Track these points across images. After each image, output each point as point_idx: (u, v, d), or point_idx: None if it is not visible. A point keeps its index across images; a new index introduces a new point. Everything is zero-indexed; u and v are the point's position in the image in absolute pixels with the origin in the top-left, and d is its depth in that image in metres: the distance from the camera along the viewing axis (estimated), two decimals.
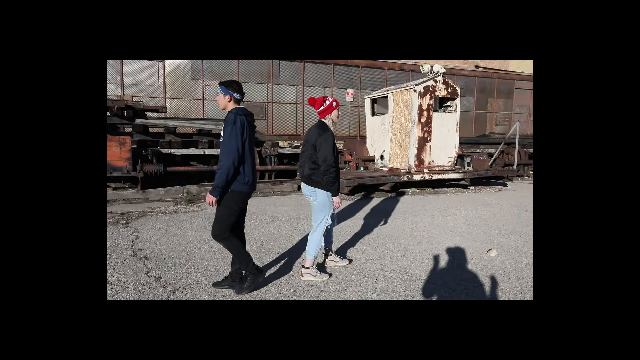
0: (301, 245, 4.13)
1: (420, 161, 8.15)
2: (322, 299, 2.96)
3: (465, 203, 7.10)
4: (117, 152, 6.99)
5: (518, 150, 10.74)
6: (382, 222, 5.42)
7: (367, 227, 5.12)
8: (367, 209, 6.32)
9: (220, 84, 2.90)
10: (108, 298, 2.84)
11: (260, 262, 3.70)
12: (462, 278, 3.42)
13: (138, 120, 7.71)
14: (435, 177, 8.19)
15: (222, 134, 2.82)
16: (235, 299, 2.92)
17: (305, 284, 3.21)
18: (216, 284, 3.09)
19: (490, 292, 3.16)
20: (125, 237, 4.43)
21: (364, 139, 10.07)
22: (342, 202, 6.91)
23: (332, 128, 3.26)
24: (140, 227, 4.90)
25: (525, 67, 18.24)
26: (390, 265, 3.72)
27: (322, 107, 3.23)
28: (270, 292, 3.04)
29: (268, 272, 3.44)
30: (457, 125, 8.55)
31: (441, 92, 8.23)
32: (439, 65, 8.33)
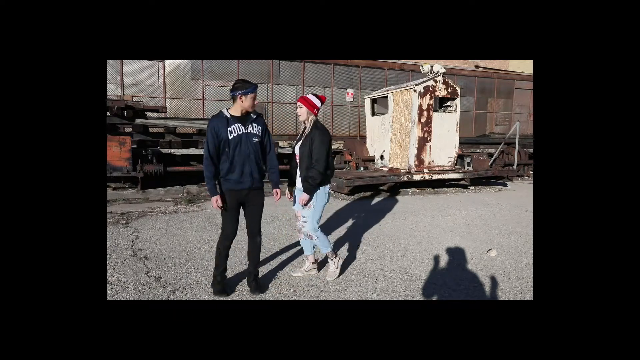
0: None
1: (420, 161, 8.15)
2: (322, 299, 2.96)
3: (465, 203, 7.10)
4: (117, 152, 6.99)
5: (518, 150, 10.73)
6: (382, 222, 5.42)
7: (367, 227, 5.12)
8: (367, 209, 6.32)
9: (252, 86, 2.84)
10: (108, 298, 2.84)
11: (260, 261, 3.70)
12: (462, 278, 3.42)
13: (138, 120, 7.71)
14: (435, 177, 8.19)
15: (259, 135, 2.92)
16: (235, 299, 2.93)
17: (305, 284, 3.22)
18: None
19: (490, 292, 3.16)
20: (125, 237, 4.43)
21: (364, 139, 10.07)
22: (341, 202, 6.93)
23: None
24: (140, 227, 4.90)
25: (525, 67, 18.23)
26: (390, 265, 3.72)
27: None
28: (271, 292, 3.04)
29: (268, 272, 3.46)
30: (457, 125, 8.55)
31: (441, 92, 8.23)
32: (439, 65, 8.33)
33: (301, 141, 3.10)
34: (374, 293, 3.07)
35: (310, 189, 3.02)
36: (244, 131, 2.85)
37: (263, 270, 3.48)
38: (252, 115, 2.91)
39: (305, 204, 3.08)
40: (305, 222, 3.16)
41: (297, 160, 3.16)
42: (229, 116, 2.84)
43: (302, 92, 12.52)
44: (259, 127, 2.93)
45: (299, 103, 3.11)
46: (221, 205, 2.85)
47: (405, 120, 8.25)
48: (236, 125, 2.83)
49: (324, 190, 3.14)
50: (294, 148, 3.20)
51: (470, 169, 9.00)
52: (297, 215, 3.30)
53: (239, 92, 2.79)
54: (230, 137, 2.80)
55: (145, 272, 3.38)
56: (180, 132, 9.59)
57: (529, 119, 16.23)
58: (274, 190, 3.07)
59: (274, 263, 3.71)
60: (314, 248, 3.41)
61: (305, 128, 3.12)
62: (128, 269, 3.44)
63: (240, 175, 2.85)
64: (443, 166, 8.50)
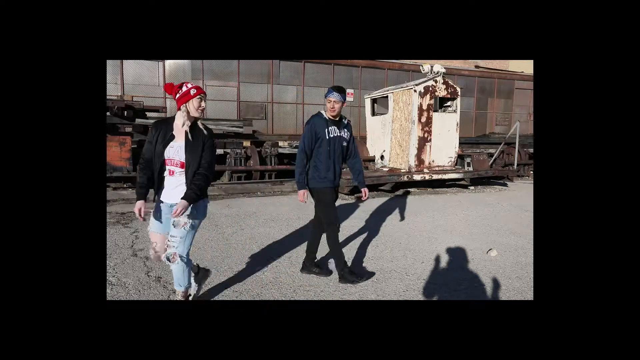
0: (301, 245, 4.12)
1: (420, 161, 8.15)
2: (322, 298, 2.95)
3: (466, 203, 7.10)
4: (117, 152, 7.00)
5: (518, 150, 10.74)
6: (382, 222, 5.42)
7: (367, 227, 5.12)
8: (367, 209, 6.32)
9: (328, 90, 3.12)
10: (108, 298, 2.84)
11: (260, 261, 3.70)
12: (462, 278, 3.42)
13: (138, 120, 7.71)
14: (435, 177, 8.19)
15: (347, 139, 3.28)
16: (235, 299, 2.92)
17: (305, 284, 3.21)
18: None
19: (490, 292, 3.16)
20: (125, 237, 4.43)
21: (364, 139, 10.06)
22: (341, 202, 6.91)
23: (183, 119, 2.44)
24: (140, 227, 4.90)
25: (525, 67, 18.23)
26: (390, 265, 3.72)
27: (178, 94, 2.38)
28: (271, 292, 3.04)
29: (268, 272, 3.45)
30: (457, 125, 8.55)
31: (441, 92, 8.23)
32: (439, 65, 8.33)
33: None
34: (374, 293, 3.07)
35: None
36: (338, 134, 3.19)
37: (264, 270, 3.48)
38: (344, 120, 3.27)
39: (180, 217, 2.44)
40: (175, 242, 2.45)
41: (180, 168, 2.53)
42: (327, 118, 3.17)
43: (302, 92, 12.53)
44: (348, 132, 3.28)
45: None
46: (306, 199, 3.18)
47: (406, 120, 8.25)
48: (333, 127, 3.17)
49: (203, 203, 2.69)
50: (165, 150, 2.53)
51: (471, 169, 9.00)
52: (152, 239, 2.57)
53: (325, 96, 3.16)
54: (327, 137, 3.14)
55: (145, 272, 3.38)
56: None
57: (529, 119, 16.22)
58: (363, 189, 3.41)
59: (273, 262, 3.71)
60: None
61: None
62: (128, 269, 3.44)
63: (333, 174, 3.20)
64: (443, 166, 8.50)
